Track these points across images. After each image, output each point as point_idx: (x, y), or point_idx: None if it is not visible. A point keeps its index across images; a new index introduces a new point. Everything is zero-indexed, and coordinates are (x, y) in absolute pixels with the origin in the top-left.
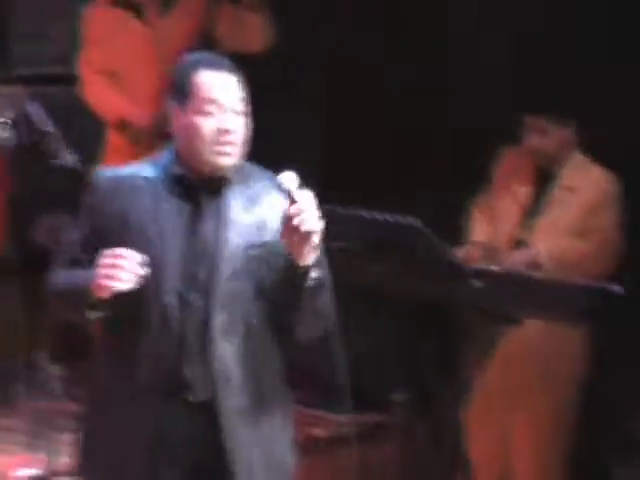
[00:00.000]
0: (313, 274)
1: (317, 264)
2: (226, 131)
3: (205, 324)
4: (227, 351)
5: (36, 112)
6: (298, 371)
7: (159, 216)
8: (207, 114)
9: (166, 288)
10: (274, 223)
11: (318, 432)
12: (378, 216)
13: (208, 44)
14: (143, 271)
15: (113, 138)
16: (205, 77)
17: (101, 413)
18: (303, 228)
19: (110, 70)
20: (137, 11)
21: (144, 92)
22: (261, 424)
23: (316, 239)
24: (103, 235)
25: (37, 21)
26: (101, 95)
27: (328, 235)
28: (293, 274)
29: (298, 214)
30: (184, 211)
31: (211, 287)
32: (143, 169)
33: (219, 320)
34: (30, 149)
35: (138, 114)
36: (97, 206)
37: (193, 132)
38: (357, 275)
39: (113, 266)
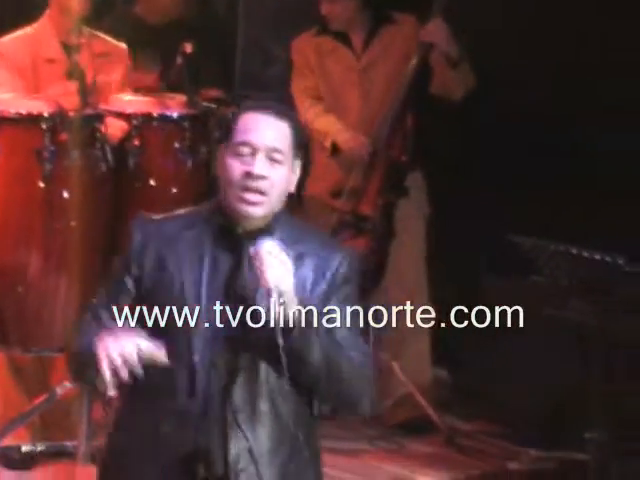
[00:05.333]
0: (296, 332)
1: (299, 325)
2: (250, 175)
3: (228, 388)
4: (247, 421)
5: None
6: (494, 404)
7: (197, 266)
8: (238, 155)
9: (197, 345)
10: (312, 286)
11: (513, 466)
12: (584, 253)
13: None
14: (141, 372)
15: (320, 162)
16: (245, 118)
17: (116, 459)
18: (262, 283)
19: (319, 96)
20: (343, 39)
21: (351, 119)
22: None
23: (277, 297)
24: (139, 282)
25: (262, 42)
26: (313, 119)
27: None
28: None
29: (259, 268)
30: (224, 263)
31: (239, 348)
32: (186, 216)
33: (241, 386)
34: None
35: (348, 139)
36: (134, 252)
37: (223, 174)
38: (560, 311)
39: (118, 357)
